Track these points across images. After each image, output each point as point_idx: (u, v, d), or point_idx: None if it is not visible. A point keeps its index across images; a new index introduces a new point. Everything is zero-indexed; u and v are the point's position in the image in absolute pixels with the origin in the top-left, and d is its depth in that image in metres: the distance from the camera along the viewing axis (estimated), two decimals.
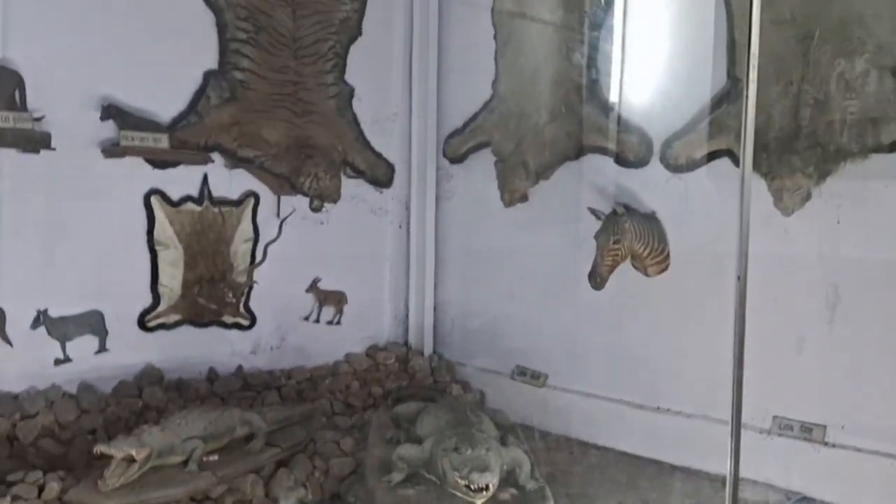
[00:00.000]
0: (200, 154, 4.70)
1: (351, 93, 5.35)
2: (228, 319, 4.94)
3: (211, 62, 4.72)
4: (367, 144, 5.48)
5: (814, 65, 3.72)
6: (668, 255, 4.30)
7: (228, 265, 4.90)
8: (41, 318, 4.19)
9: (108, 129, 4.33)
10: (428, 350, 5.63)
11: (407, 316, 5.76)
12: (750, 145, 2.89)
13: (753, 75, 2.83)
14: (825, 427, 3.79)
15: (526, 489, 3.25)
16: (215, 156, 4.78)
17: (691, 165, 4.19)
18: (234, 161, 4.86)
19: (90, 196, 4.34)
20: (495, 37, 5.13)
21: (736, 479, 3.01)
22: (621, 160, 4.49)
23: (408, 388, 5.07)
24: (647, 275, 4.35)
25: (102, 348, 4.43)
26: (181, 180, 4.67)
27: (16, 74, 4.00)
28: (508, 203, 5.09)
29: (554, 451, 4.44)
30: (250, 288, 5.02)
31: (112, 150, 4.34)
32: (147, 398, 4.34)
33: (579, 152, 4.70)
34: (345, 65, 5.32)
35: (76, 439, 3.95)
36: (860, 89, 3.60)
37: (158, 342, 4.64)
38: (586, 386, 4.68)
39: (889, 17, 3.53)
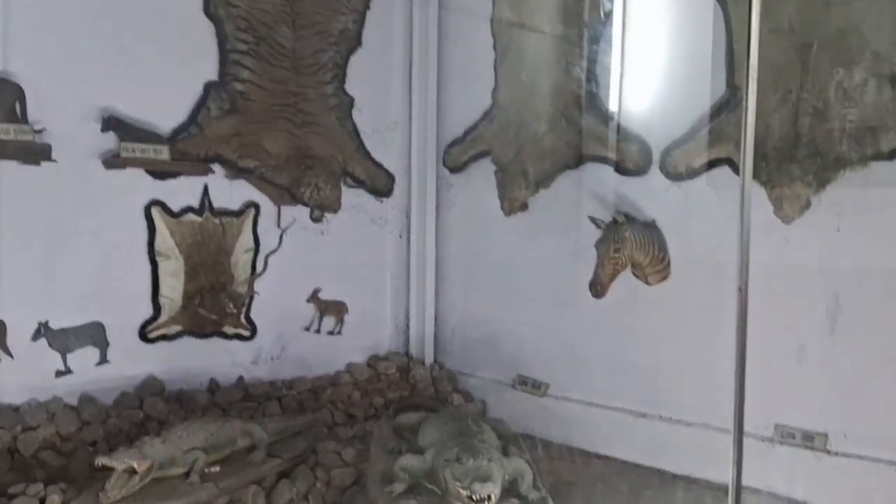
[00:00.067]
0: (201, 165, 4.71)
1: (351, 103, 5.36)
2: (229, 330, 4.93)
3: (211, 73, 4.73)
4: (367, 154, 5.48)
5: (812, 74, 3.73)
6: (668, 263, 4.30)
7: (229, 276, 4.90)
8: (42, 330, 4.19)
9: (109, 141, 4.34)
10: (429, 360, 5.62)
11: (408, 325, 5.74)
12: (750, 154, 2.88)
13: (753, 84, 2.83)
14: (827, 435, 3.78)
15: (528, 499, 3.24)
16: (216, 167, 4.78)
17: (691, 174, 4.19)
18: (235, 172, 4.87)
19: (91, 207, 4.35)
20: (495, 46, 5.13)
21: (738, 487, 3.00)
22: (621, 169, 4.49)
23: (409, 399, 5.06)
24: (647, 283, 4.35)
25: (103, 360, 4.43)
26: (182, 191, 4.68)
27: (16, 86, 4.01)
28: (509, 212, 5.08)
29: (556, 461, 4.42)
30: (251, 298, 5.02)
31: (113, 161, 4.35)
32: (148, 409, 4.34)
33: (579, 161, 4.70)
34: (345, 75, 5.32)
35: (77, 451, 3.94)
36: (859, 98, 3.61)
37: (159, 353, 4.63)
38: (588, 395, 4.68)
39: (887, 26, 3.55)
